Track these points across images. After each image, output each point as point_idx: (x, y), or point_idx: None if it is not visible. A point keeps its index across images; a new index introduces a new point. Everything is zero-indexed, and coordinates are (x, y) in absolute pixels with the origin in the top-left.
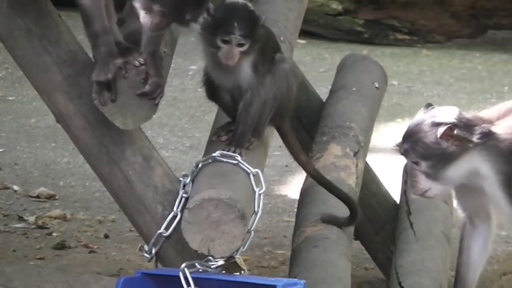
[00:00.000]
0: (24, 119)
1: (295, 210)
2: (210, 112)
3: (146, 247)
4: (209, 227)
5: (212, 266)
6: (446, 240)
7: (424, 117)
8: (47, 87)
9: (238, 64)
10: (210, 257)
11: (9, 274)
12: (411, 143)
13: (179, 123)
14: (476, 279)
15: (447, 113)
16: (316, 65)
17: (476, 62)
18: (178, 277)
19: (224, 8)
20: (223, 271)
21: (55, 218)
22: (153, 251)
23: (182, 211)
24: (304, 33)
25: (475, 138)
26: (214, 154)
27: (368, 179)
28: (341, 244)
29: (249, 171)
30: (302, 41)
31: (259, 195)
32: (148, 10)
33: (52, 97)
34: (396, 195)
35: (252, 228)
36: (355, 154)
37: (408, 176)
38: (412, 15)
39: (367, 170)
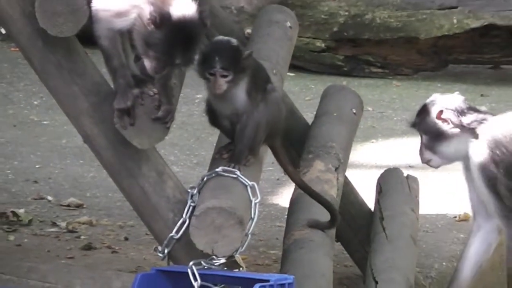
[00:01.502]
0: (56, 140)
1: (285, 216)
2: (213, 134)
3: (159, 248)
4: (213, 231)
5: (215, 264)
6: (413, 242)
7: (434, 99)
8: (76, 113)
9: (234, 93)
10: (214, 256)
11: (44, 271)
12: (419, 118)
13: (187, 143)
14: (470, 276)
15: (449, 99)
16: (303, 94)
17: (438, 91)
18: (187, 273)
19: (209, 45)
20: (225, 268)
21: (83, 223)
22: (166, 251)
23: (190, 217)
24: (293, 67)
25: (466, 123)
26: (217, 170)
27: (347, 190)
28: (325, 246)
29: (246, 184)
30: (291, 74)
31: (255, 204)
32: (146, 55)
33: (79, 121)
34: (370, 204)
35: (249, 232)
36: (336, 169)
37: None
38: (384, 52)
39: (346, 183)
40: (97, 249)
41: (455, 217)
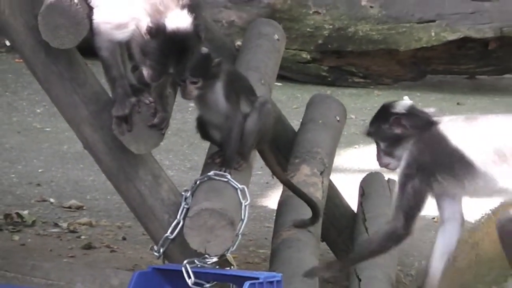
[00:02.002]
0: (58, 146)
1: (274, 218)
2: (205, 141)
3: (155, 248)
4: (205, 232)
5: (208, 262)
6: None
7: (385, 107)
8: (76, 121)
9: (212, 98)
10: (207, 255)
11: (47, 269)
12: (375, 127)
13: (181, 149)
14: (439, 268)
15: (401, 105)
16: (290, 103)
17: (417, 100)
18: (182, 271)
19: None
20: (217, 266)
21: (83, 224)
22: (161, 250)
23: (184, 219)
24: (280, 77)
25: (416, 126)
26: (209, 174)
27: (332, 193)
28: (311, 245)
29: (237, 187)
30: (279, 84)
31: (245, 206)
32: (143, 64)
33: (80, 128)
34: (354, 206)
35: (239, 232)
36: (321, 173)
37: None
38: (366, 63)
39: (331, 186)
40: (96, 248)
41: (433, 218)
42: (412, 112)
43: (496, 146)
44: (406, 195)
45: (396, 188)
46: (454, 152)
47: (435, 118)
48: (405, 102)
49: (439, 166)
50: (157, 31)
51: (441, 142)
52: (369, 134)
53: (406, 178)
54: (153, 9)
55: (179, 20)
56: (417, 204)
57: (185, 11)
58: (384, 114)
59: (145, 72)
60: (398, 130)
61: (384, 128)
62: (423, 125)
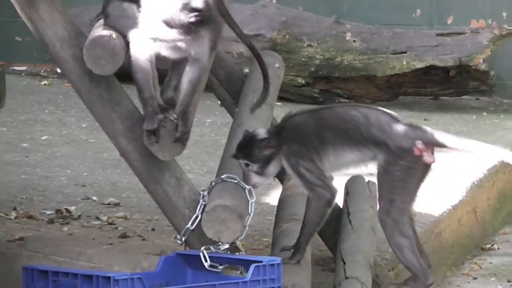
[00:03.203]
0: (100, 154)
1: (275, 212)
2: (219, 149)
3: (178, 237)
4: (219, 224)
5: (221, 249)
6: (373, 232)
7: (250, 135)
8: (114, 133)
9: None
10: (220, 243)
11: (90, 255)
12: (244, 152)
13: (199, 156)
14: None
15: (262, 132)
16: None
17: None
18: (199, 255)
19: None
20: (228, 252)
21: (120, 218)
22: (183, 239)
23: (201, 213)
24: (280, 98)
25: (278, 143)
26: (222, 177)
27: None
28: None
29: (245, 187)
30: (279, 103)
31: (252, 203)
32: None
33: (117, 140)
34: (340, 202)
35: (247, 224)
36: None
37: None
38: (350, 86)
39: None
40: (130, 237)
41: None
42: (273, 132)
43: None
44: (306, 175)
45: (296, 180)
46: (311, 136)
47: (285, 119)
48: (262, 130)
49: (307, 149)
50: None
51: (300, 131)
52: (238, 157)
53: (296, 166)
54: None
55: None
56: (316, 172)
57: None
58: (253, 138)
59: None
60: (268, 151)
61: (255, 152)
62: (282, 134)
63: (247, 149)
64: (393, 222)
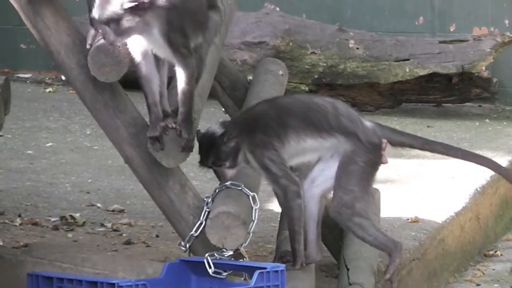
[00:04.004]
0: (104, 161)
1: (279, 219)
2: None
3: (182, 243)
4: (223, 230)
5: (225, 255)
6: None
7: (208, 136)
8: (118, 140)
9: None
10: (224, 249)
11: (94, 261)
12: (210, 155)
13: None
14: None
15: (218, 127)
16: None
17: (394, 123)
18: (204, 262)
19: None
20: (232, 258)
21: (124, 224)
22: (187, 245)
23: (206, 220)
24: None
25: (237, 134)
26: (226, 183)
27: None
28: None
29: (248, 194)
30: None
31: (255, 209)
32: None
33: (121, 147)
34: None
35: (250, 231)
36: None
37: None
38: (353, 93)
39: None
40: (135, 244)
41: (408, 219)
42: (227, 125)
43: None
44: (270, 166)
45: (261, 172)
46: (271, 122)
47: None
48: (220, 123)
49: (268, 136)
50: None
51: (259, 120)
52: (204, 163)
53: (261, 158)
54: None
55: None
56: (279, 163)
57: None
58: (215, 140)
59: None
60: (234, 143)
61: (222, 149)
62: (239, 125)
63: (212, 151)
64: (352, 210)
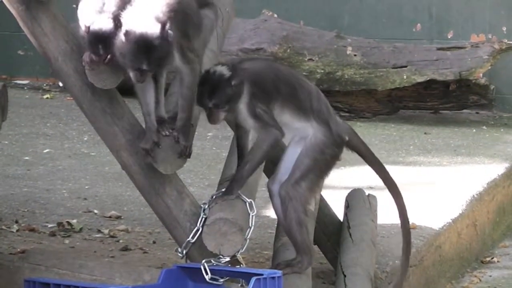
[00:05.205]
0: (101, 167)
1: (275, 225)
2: (220, 163)
3: (179, 250)
4: (220, 236)
5: (222, 262)
6: (373, 245)
7: (214, 76)
8: (116, 147)
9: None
10: (221, 256)
11: (91, 267)
12: (213, 94)
13: (200, 170)
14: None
15: (225, 70)
16: None
17: (392, 130)
18: (200, 268)
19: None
20: (229, 265)
21: (121, 231)
22: (184, 252)
23: (202, 226)
24: None
25: (241, 82)
26: (223, 190)
27: (322, 205)
28: None
29: (245, 201)
30: None
31: (252, 216)
32: (126, 67)
33: (119, 153)
34: (340, 216)
35: (247, 237)
36: None
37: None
38: (350, 100)
39: (321, 199)
40: (132, 250)
41: None
42: (234, 70)
43: None
44: (262, 115)
45: (249, 121)
46: (269, 83)
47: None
48: (219, 67)
49: (264, 93)
50: (130, 35)
51: (261, 75)
52: (213, 106)
53: (253, 108)
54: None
55: (147, 25)
56: (271, 114)
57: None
58: (222, 81)
59: (131, 75)
60: (239, 89)
61: (229, 93)
62: (243, 73)
63: (217, 91)
64: (302, 198)
